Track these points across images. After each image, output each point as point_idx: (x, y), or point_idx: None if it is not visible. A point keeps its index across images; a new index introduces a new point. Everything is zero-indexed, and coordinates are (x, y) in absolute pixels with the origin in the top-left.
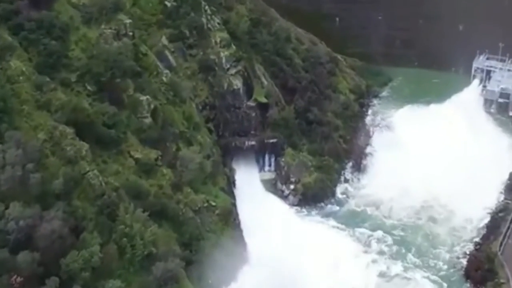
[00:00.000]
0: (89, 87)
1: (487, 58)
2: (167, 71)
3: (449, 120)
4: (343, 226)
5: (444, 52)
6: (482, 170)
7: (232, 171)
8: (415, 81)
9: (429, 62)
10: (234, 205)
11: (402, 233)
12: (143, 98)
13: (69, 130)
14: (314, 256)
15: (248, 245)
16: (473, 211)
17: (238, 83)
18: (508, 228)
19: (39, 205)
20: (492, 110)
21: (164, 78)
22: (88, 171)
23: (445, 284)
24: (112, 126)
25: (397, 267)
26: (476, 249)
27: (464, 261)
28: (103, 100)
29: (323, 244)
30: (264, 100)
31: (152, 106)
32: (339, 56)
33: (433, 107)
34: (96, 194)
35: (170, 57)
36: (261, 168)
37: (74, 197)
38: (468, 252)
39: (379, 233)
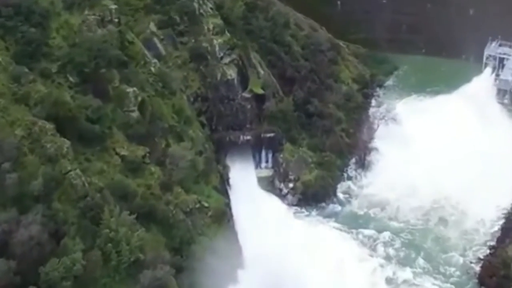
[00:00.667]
0: (71, 78)
1: (500, 45)
2: (155, 60)
3: (459, 112)
4: (346, 228)
5: (454, 38)
6: (495, 167)
7: (226, 168)
8: (422, 70)
9: (438, 49)
10: (228, 205)
11: (410, 236)
12: (130, 90)
13: (49, 126)
14: (315, 260)
15: (243, 248)
16: (486, 211)
17: (232, 73)
18: None
19: (16, 208)
20: (505, 101)
21: (152, 68)
22: (70, 171)
23: None
24: (96, 120)
25: (405, 273)
26: (490, 254)
27: (477, 267)
28: (86, 92)
29: (325, 248)
30: (260, 91)
31: (139, 99)
32: (341, 43)
33: (442, 97)
34: (79, 195)
35: (159, 45)
36: (258, 165)
37: (55, 199)
38: (481, 257)
39: (386, 236)
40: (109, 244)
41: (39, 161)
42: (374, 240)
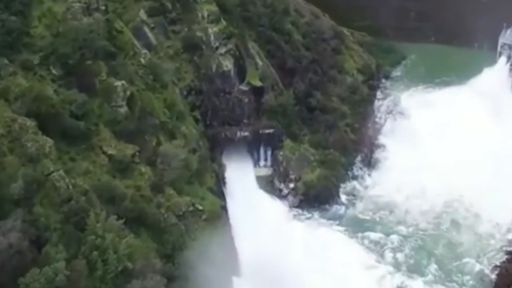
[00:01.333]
0: (54, 71)
1: None
2: (145, 51)
3: (471, 106)
4: (350, 232)
5: (466, 26)
6: (510, 166)
7: (222, 167)
8: (432, 59)
9: (448, 37)
10: (224, 207)
11: (420, 242)
12: (118, 83)
13: (31, 123)
14: (317, 267)
15: (240, 254)
16: (502, 214)
17: (228, 64)
18: None
19: None
20: None
21: (142, 60)
22: (53, 172)
23: None
24: (81, 117)
25: (415, 282)
26: (507, 260)
27: (493, 275)
28: (70, 86)
29: (328, 253)
30: (258, 83)
31: (128, 93)
32: (345, 31)
33: (453, 89)
34: (62, 198)
35: (150, 34)
36: (256, 163)
37: (36, 203)
38: (498, 264)
39: (394, 241)
40: (95, 252)
41: (19, 161)
42: (382, 246)
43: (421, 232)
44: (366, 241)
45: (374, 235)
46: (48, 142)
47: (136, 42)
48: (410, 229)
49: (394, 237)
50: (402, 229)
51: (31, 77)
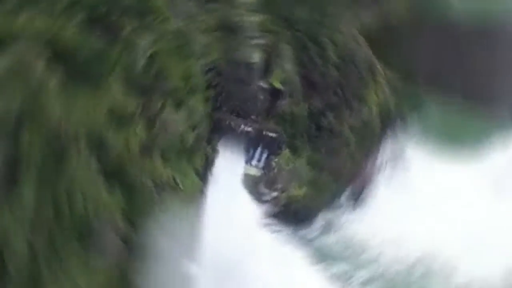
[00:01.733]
0: (76, 19)
1: None
2: (178, 18)
3: (477, 180)
4: (318, 259)
5: (498, 90)
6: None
7: (214, 152)
8: (451, 118)
9: (475, 99)
10: (204, 192)
11: (390, 283)
12: (142, 41)
13: (42, 62)
14: (278, 281)
15: (204, 243)
16: (480, 269)
17: (256, 57)
18: None
19: None
20: None
21: (172, 26)
22: (50, 104)
23: None
24: (96, 62)
25: None
26: None
27: None
28: (91, 34)
29: (290, 272)
30: (279, 86)
31: (149, 52)
32: (377, 64)
33: (464, 155)
34: (52, 133)
35: (185, 4)
36: (249, 161)
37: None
38: None
39: (362, 277)
40: (66, 197)
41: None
42: (348, 278)
43: (392, 275)
44: (333, 270)
45: (342, 267)
46: (56, 78)
47: (168, 8)
48: (381, 269)
49: (363, 273)
50: (373, 268)
51: (51, 22)
